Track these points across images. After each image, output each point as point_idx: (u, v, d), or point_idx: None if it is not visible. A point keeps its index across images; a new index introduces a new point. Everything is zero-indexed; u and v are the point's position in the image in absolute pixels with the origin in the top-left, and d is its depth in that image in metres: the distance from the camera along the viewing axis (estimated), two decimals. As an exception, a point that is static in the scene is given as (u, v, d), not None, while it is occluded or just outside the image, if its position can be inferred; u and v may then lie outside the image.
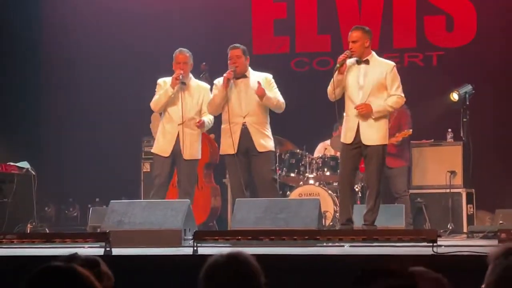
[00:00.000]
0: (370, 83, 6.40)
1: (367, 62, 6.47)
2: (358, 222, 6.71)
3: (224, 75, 6.85)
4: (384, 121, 6.46)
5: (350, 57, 6.46)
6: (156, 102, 7.07)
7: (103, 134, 9.68)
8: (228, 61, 6.92)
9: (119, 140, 9.60)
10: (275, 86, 6.97)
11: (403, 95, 6.50)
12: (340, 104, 6.52)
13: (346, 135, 6.50)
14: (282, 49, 9.93)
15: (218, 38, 9.67)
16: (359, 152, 6.49)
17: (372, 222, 6.45)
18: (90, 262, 2.55)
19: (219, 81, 6.98)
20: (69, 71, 10.04)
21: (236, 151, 6.78)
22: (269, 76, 6.99)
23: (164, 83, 7.08)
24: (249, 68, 7.00)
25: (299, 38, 9.88)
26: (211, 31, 9.72)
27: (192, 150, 7.03)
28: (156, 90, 7.16)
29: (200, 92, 7.12)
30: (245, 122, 6.83)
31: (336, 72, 6.42)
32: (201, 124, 7.00)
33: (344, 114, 6.61)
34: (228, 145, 6.84)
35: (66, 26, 10.10)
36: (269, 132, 6.93)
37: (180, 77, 6.95)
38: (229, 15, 9.85)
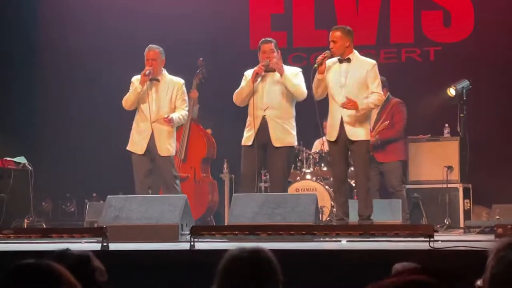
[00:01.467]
0: (352, 82, 6.49)
1: (348, 60, 6.56)
2: (354, 217, 6.73)
3: (255, 68, 6.82)
4: (367, 118, 6.56)
5: (331, 57, 6.55)
6: (126, 99, 7.08)
7: (101, 129, 9.67)
8: (260, 54, 6.86)
9: (116, 135, 9.59)
10: (302, 78, 6.87)
11: (382, 92, 6.65)
12: (319, 104, 6.62)
13: (331, 133, 6.57)
14: (279, 44, 9.87)
15: (215, 34, 9.68)
16: (346, 148, 6.56)
17: (368, 216, 6.50)
18: (81, 257, 2.54)
19: (249, 73, 6.92)
20: (66, 65, 10.04)
21: (253, 142, 6.74)
22: (297, 70, 6.96)
23: (137, 80, 7.07)
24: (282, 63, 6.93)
25: (297, 33, 9.88)
26: (208, 27, 9.72)
27: (167, 146, 7.02)
28: (130, 87, 7.14)
29: (174, 87, 7.08)
30: (265, 116, 6.79)
31: (316, 72, 6.51)
32: (168, 120, 6.94)
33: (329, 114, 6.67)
34: (246, 137, 6.84)
35: (62, 24, 10.09)
36: (292, 126, 6.85)
37: (147, 72, 6.94)
38: (226, 10, 9.84)
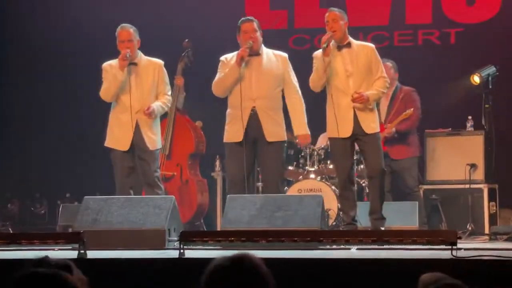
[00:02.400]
0: (358, 70, 6.62)
1: (349, 46, 6.66)
2: (364, 221, 6.76)
3: (238, 52, 6.82)
4: (375, 109, 6.75)
5: (332, 37, 6.63)
6: (106, 90, 6.95)
7: (74, 122, 9.67)
8: (241, 35, 6.89)
9: (91, 129, 9.58)
10: (291, 68, 6.96)
11: (386, 75, 6.82)
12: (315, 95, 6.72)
13: (343, 129, 6.61)
14: (279, 25, 9.92)
15: (206, 12, 9.67)
16: (353, 144, 6.70)
17: (382, 215, 6.65)
18: (60, 266, 2.56)
19: (227, 58, 6.94)
20: (33, 60, 10.02)
21: (242, 138, 6.75)
22: (285, 55, 6.99)
23: (111, 67, 6.98)
24: (262, 45, 6.98)
25: (299, 12, 9.88)
26: (197, 4, 9.71)
27: (156, 138, 7.02)
28: (102, 77, 7.04)
29: (154, 69, 7.02)
30: (254, 107, 6.79)
31: (322, 53, 6.57)
32: (150, 112, 6.87)
33: (326, 106, 6.73)
34: (234, 132, 6.80)
35: (28, 16, 10.07)
36: (282, 118, 6.90)
37: (127, 55, 6.85)
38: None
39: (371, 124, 6.63)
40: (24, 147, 9.95)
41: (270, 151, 6.81)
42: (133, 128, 6.93)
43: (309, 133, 7.00)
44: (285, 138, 6.96)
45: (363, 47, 6.73)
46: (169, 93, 7.16)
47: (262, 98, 6.79)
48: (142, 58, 7.07)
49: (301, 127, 6.92)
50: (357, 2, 9.48)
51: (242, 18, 7.03)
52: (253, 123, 6.79)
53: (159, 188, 7.01)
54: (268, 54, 6.92)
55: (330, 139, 6.82)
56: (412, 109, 8.09)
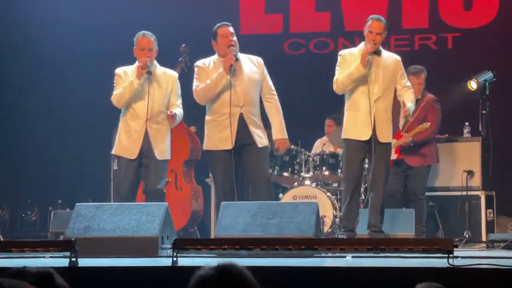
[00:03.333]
0: (384, 77, 6.71)
1: (378, 53, 6.76)
2: (359, 228, 6.75)
3: (218, 59, 6.80)
4: (391, 118, 6.83)
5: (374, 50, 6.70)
6: (120, 97, 6.89)
7: (67, 127, 9.67)
8: (220, 40, 6.83)
9: (84, 133, 9.60)
10: (267, 72, 6.96)
11: (411, 85, 6.97)
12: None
13: (361, 131, 6.65)
14: (274, 29, 9.94)
15: (200, 16, 9.67)
16: (366, 150, 6.71)
17: (381, 228, 6.68)
18: (42, 275, 2.55)
19: (204, 63, 6.91)
20: (29, 62, 10.02)
21: (232, 146, 6.73)
22: (261, 59, 6.98)
23: (125, 73, 6.94)
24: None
25: (294, 16, 9.90)
26: (192, 8, 9.72)
27: (165, 149, 6.95)
28: (115, 82, 7.00)
29: (168, 81, 6.99)
30: (241, 113, 6.78)
31: (362, 64, 6.62)
32: (173, 116, 6.84)
33: (346, 109, 6.76)
34: (221, 139, 6.76)
35: (27, 16, 10.08)
36: (263, 124, 6.93)
37: (148, 64, 6.81)
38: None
39: (386, 133, 6.72)
40: (15, 153, 9.94)
41: (260, 157, 6.81)
42: (142, 137, 6.87)
43: (287, 137, 6.96)
44: (267, 144, 6.96)
45: (390, 57, 6.84)
46: (181, 106, 7.07)
47: (248, 104, 6.78)
48: (157, 68, 7.04)
49: (281, 131, 6.90)
50: (353, 6, 9.49)
51: (218, 24, 6.95)
52: (243, 130, 6.77)
53: (162, 200, 6.89)
54: (245, 59, 6.89)
55: (346, 140, 6.79)
56: (429, 123, 7.98)
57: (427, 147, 8.14)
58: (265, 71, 6.93)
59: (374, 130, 6.64)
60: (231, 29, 6.86)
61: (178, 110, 6.98)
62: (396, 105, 7.78)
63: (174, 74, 7.13)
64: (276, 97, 6.93)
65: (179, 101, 7.05)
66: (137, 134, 6.89)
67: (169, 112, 6.85)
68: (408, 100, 6.75)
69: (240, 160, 6.81)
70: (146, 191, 6.98)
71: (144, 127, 6.87)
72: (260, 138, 6.80)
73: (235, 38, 6.85)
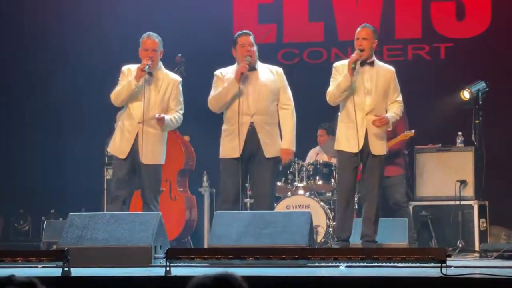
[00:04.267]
0: (377, 89, 6.67)
1: (371, 64, 6.72)
2: (352, 238, 6.75)
3: (237, 67, 6.80)
4: (386, 130, 6.80)
5: (360, 57, 6.66)
6: (117, 94, 6.88)
7: (59, 135, 9.65)
8: (238, 49, 6.85)
9: (77, 142, 9.58)
10: (287, 83, 6.93)
11: (401, 101, 6.85)
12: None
13: (351, 143, 6.64)
14: (267, 39, 9.95)
15: (195, 26, 9.69)
16: (359, 161, 6.68)
17: (374, 238, 6.65)
18: (26, 285, 2.55)
19: (222, 72, 6.90)
20: (20, 69, 10.01)
21: (240, 154, 6.72)
22: (281, 70, 6.98)
23: (129, 71, 6.90)
24: (257, 60, 6.96)
25: (288, 26, 9.92)
26: (187, 18, 9.73)
27: (154, 153, 6.86)
28: (119, 79, 6.97)
29: (169, 85, 6.93)
30: (252, 122, 6.78)
31: (348, 73, 6.59)
32: (161, 120, 6.77)
33: (339, 120, 6.75)
34: (231, 148, 6.76)
35: (17, 21, 10.08)
36: (278, 134, 6.87)
37: (146, 68, 6.78)
38: (207, 0, 9.85)
39: (379, 146, 6.68)
40: (7, 163, 9.91)
41: (267, 167, 6.79)
42: (133, 138, 6.83)
43: (294, 150, 6.95)
44: (279, 154, 6.91)
45: (384, 69, 6.78)
46: (182, 112, 7.01)
47: (260, 113, 6.79)
48: (162, 70, 6.99)
49: (288, 141, 6.90)
50: (346, 16, 9.51)
51: (239, 32, 7.00)
52: (252, 139, 6.77)
53: (155, 206, 6.82)
54: (264, 69, 6.91)
55: (338, 151, 6.79)
56: (413, 131, 8.05)
57: (399, 157, 8.20)
58: (284, 82, 6.92)
59: (366, 143, 6.63)
60: (251, 38, 6.87)
61: (175, 115, 6.91)
62: None
63: (177, 78, 7.05)
64: (292, 107, 6.89)
65: (179, 107, 6.99)
66: (129, 135, 6.85)
67: (157, 115, 6.79)
68: (390, 111, 6.70)
69: (248, 169, 6.82)
70: (142, 197, 6.97)
71: (137, 129, 6.83)
72: (270, 147, 6.78)
73: (254, 48, 6.85)
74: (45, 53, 9.84)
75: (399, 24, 9.66)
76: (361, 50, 6.63)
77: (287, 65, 9.83)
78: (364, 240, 6.65)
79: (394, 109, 6.72)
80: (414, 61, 9.59)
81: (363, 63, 6.68)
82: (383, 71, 6.74)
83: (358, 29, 6.76)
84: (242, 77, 6.74)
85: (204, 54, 9.48)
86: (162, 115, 6.79)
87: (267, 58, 9.39)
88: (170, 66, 8.69)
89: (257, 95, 6.79)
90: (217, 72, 6.94)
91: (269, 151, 6.77)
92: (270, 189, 6.86)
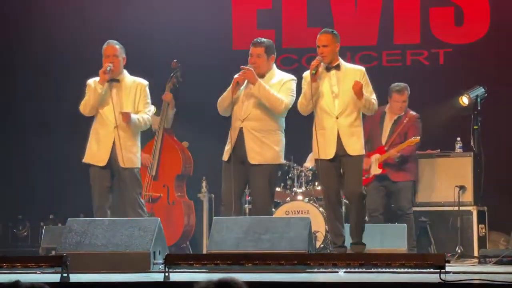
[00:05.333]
0: (345, 91, 6.65)
1: (337, 68, 6.72)
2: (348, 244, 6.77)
3: (236, 75, 6.84)
4: (361, 130, 6.75)
5: (321, 62, 6.68)
6: (84, 103, 7.09)
7: (57, 140, 9.64)
8: (249, 57, 6.94)
9: (76, 147, 9.55)
10: (291, 89, 6.90)
11: (376, 100, 6.78)
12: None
13: (326, 151, 6.66)
14: (266, 44, 9.94)
15: (192, 31, 9.69)
16: (339, 166, 6.71)
17: (360, 240, 6.66)
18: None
19: (234, 77, 6.94)
20: (19, 72, 10.01)
21: (228, 158, 6.79)
22: (288, 78, 6.95)
23: (95, 83, 7.08)
24: (274, 68, 6.99)
25: (286, 31, 9.93)
26: (184, 23, 9.73)
27: (131, 156, 7.02)
28: (86, 91, 7.15)
29: (136, 89, 7.12)
30: (242, 127, 6.83)
31: (310, 79, 6.61)
32: (125, 115, 6.94)
33: (313, 128, 6.75)
34: (225, 151, 6.90)
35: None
36: (274, 141, 6.85)
37: (108, 69, 6.96)
38: (206, 4, 9.86)
39: (354, 145, 6.65)
40: (5, 168, 9.90)
41: (255, 173, 6.81)
42: (111, 144, 6.99)
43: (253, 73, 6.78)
44: (276, 162, 6.90)
45: (352, 70, 6.77)
46: (149, 113, 7.20)
47: (250, 119, 6.82)
48: (126, 76, 7.17)
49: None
50: (345, 21, 9.53)
51: (254, 40, 7.02)
52: (239, 144, 6.82)
53: (140, 207, 7.00)
54: (271, 77, 6.91)
55: (315, 160, 6.85)
56: (418, 137, 8.07)
57: (410, 163, 8.21)
58: (284, 86, 6.90)
59: (340, 146, 6.61)
60: (260, 50, 6.89)
61: (143, 115, 7.07)
62: (370, 121, 7.84)
63: (143, 82, 7.22)
64: (282, 107, 6.83)
65: (147, 109, 7.18)
66: (105, 141, 7.01)
67: (122, 111, 6.94)
68: (370, 97, 6.63)
69: (245, 174, 6.86)
70: (125, 203, 7.04)
71: (113, 135, 6.98)
72: (256, 154, 6.79)
73: (264, 58, 6.86)
74: (46, 58, 9.84)
75: (397, 29, 9.67)
76: (322, 58, 6.65)
77: (286, 71, 9.83)
78: (351, 243, 6.67)
79: (366, 95, 6.61)
80: (413, 67, 9.60)
81: (329, 68, 6.70)
82: (351, 73, 6.72)
83: (318, 35, 6.78)
84: (238, 86, 6.81)
85: (203, 59, 9.49)
86: (127, 111, 6.96)
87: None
88: (166, 71, 8.74)
89: (249, 101, 6.83)
90: (236, 76, 6.89)
91: (254, 158, 6.78)
92: (263, 195, 6.83)
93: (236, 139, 6.80)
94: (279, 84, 6.90)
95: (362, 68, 6.82)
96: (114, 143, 6.99)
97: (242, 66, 6.86)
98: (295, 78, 7.01)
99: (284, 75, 7.01)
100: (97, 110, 7.06)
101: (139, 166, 7.17)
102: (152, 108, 7.42)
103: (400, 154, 8.10)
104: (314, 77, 6.62)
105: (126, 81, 7.14)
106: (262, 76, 6.90)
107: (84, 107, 7.09)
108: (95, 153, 7.06)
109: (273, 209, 8.18)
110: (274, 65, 7.05)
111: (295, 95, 6.95)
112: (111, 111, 6.99)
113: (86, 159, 7.14)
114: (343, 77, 6.69)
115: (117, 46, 7.14)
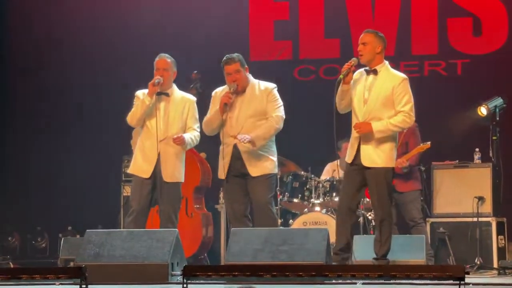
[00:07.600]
0: (374, 98, 6.45)
1: (375, 72, 6.49)
2: (367, 254, 6.72)
3: (222, 97, 6.83)
4: (390, 142, 6.49)
5: (356, 65, 6.52)
6: (132, 114, 7.09)
7: (77, 152, 9.70)
8: (226, 76, 6.92)
9: (95, 159, 9.63)
10: (276, 99, 6.91)
11: (412, 113, 6.47)
12: (342, 118, 6.58)
13: (348, 153, 6.59)
14: (284, 55, 9.98)
15: (211, 43, 9.73)
16: (361, 174, 6.50)
17: (383, 255, 6.49)
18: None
19: (217, 92, 6.99)
20: (39, 84, 10.08)
21: (225, 175, 6.82)
22: (270, 87, 6.96)
23: (143, 94, 7.09)
24: (250, 78, 6.96)
25: (304, 42, 9.94)
26: (203, 35, 9.78)
27: (175, 171, 7.03)
28: (134, 102, 7.16)
29: (185, 104, 7.12)
30: (236, 144, 6.83)
31: (340, 82, 6.46)
32: (179, 140, 6.96)
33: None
34: (221, 169, 6.91)
35: (37, 30, 10.16)
36: (268, 152, 6.87)
37: (156, 82, 6.97)
38: (224, 16, 9.90)
39: (371, 157, 6.42)
40: (24, 180, 9.97)
41: (256, 184, 6.83)
42: (156, 157, 6.98)
43: (252, 140, 6.72)
44: (273, 171, 6.90)
45: (391, 77, 6.48)
46: (199, 130, 7.16)
47: (243, 133, 6.79)
48: (175, 91, 7.18)
49: (251, 133, 6.78)
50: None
51: (224, 58, 6.96)
52: (236, 160, 6.84)
53: (172, 224, 6.94)
54: (254, 89, 6.90)
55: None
56: (429, 142, 8.04)
57: (415, 172, 8.19)
58: (272, 99, 6.88)
59: (358, 154, 6.45)
60: (235, 65, 6.86)
61: (193, 134, 7.09)
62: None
63: (192, 98, 7.24)
64: (273, 119, 6.81)
65: (196, 125, 7.16)
66: (150, 154, 7.01)
67: (174, 137, 6.95)
68: (389, 122, 6.37)
69: (246, 187, 6.87)
70: (160, 217, 7.04)
71: (158, 148, 6.97)
72: (255, 167, 6.81)
73: (241, 73, 6.84)
74: (72, 67, 9.90)
75: (415, 40, 9.67)
76: (360, 56, 6.47)
77: (303, 82, 9.89)
78: (373, 258, 6.55)
79: (393, 120, 6.38)
80: (431, 77, 9.59)
81: (368, 72, 6.51)
82: (390, 79, 6.45)
83: (361, 35, 6.59)
84: (225, 107, 6.81)
85: (220, 71, 9.49)
86: (182, 136, 6.96)
87: (283, 74, 9.47)
88: (186, 83, 8.77)
89: (240, 118, 6.83)
90: (213, 92, 7.03)
91: (253, 171, 6.81)
92: (263, 204, 6.82)
93: (231, 155, 6.82)
94: (264, 95, 6.88)
95: (402, 76, 6.50)
96: (159, 156, 6.99)
97: (227, 94, 6.79)
98: (275, 85, 6.96)
99: (263, 84, 6.95)
100: (145, 122, 7.06)
101: (182, 181, 7.12)
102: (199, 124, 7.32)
103: (408, 164, 8.08)
104: (345, 79, 6.43)
105: (175, 96, 7.14)
106: (244, 90, 6.86)
107: (131, 118, 7.09)
108: (140, 164, 7.05)
109: (290, 220, 8.20)
110: (250, 75, 6.99)
111: (281, 102, 6.91)
112: (159, 125, 6.98)
113: (131, 170, 7.15)
114: (379, 83, 6.45)
115: (169, 60, 7.14)
